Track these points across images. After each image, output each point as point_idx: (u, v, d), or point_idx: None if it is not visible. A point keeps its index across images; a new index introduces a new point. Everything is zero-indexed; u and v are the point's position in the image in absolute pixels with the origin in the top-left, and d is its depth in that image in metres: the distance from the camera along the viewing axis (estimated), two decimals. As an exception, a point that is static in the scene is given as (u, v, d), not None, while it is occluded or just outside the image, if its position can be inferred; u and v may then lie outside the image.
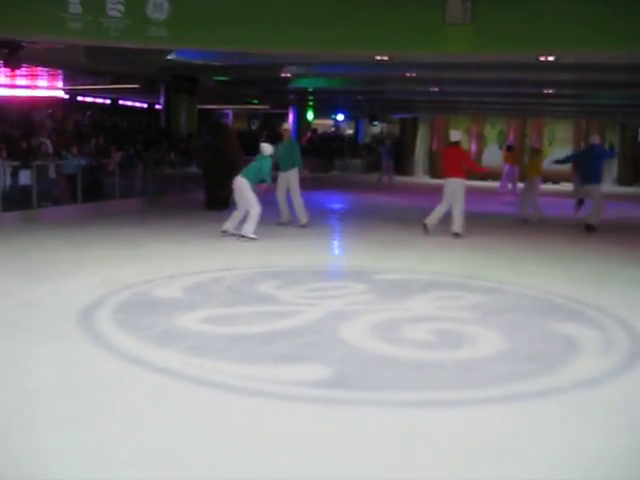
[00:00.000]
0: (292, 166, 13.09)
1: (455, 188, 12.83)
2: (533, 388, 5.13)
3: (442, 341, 6.16)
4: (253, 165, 11.83)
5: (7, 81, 23.87)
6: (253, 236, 11.33)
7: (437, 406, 4.78)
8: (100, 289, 7.75)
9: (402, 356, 5.69)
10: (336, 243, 11.89)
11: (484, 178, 27.86)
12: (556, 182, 31.95)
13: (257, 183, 11.74)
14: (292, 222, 13.30)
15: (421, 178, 34.11)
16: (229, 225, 11.70)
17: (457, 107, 32.39)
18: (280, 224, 13.11)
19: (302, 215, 13.14)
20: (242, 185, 11.63)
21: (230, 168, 16.75)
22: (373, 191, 24.41)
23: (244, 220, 11.52)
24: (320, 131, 39.44)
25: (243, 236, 11.30)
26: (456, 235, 12.75)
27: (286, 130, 13.51)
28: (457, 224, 12.84)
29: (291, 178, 13.12)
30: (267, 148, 12.00)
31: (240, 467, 3.85)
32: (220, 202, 16.45)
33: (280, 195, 13.25)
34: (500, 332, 6.47)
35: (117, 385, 4.95)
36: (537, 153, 17.21)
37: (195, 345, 5.78)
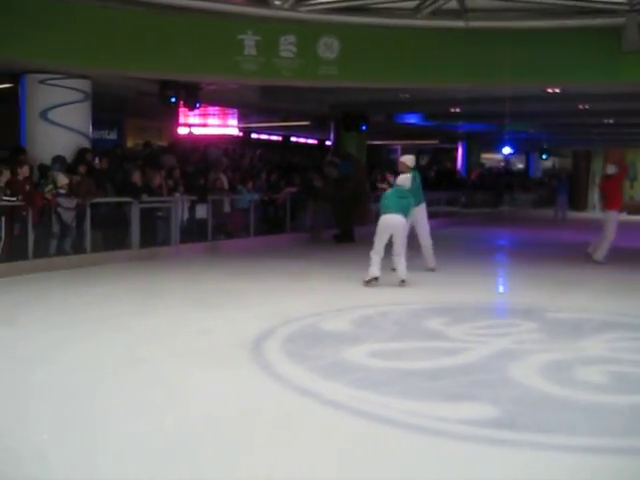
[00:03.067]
0: (418, 202, 11.52)
1: (606, 219, 13.59)
2: None
3: (618, 385, 5.88)
4: (399, 201, 10.59)
5: (185, 120, 25.16)
6: (407, 280, 10.50)
7: (610, 453, 4.55)
8: (270, 320, 7.98)
9: (574, 399, 5.47)
10: (505, 280, 11.64)
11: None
12: None
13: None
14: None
15: (596, 213, 32.79)
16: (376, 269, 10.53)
17: (634, 138, 31.07)
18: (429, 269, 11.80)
19: (430, 258, 11.89)
20: (401, 224, 10.55)
21: (357, 200, 16.86)
22: (543, 227, 23.77)
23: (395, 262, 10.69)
24: (489, 165, 38.89)
25: (403, 281, 10.46)
26: (594, 261, 13.35)
27: (402, 164, 11.62)
28: (598, 253, 13.45)
29: (418, 215, 11.75)
30: (406, 180, 10.90)
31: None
32: (350, 235, 16.64)
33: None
34: (682, 377, 6.10)
35: (284, 415, 5.05)
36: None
37: (361, 378, 5.82)
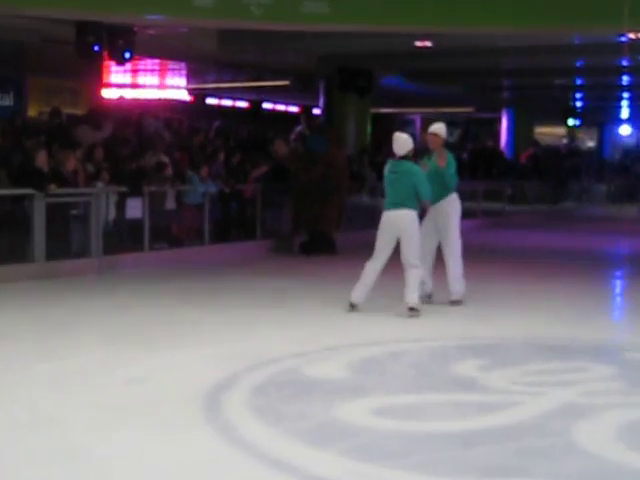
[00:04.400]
0: (445, 193, 11.24)
1: None
2: None
3: None
4: (395, 186, 10.53)
5: (114, 79, 25.14)
6: (418, 307, 10.43)
7: None
8: (231, 363, 7.97)
9: (667, 473, 5.49)
10: (569, 306, 11.65)
11: None
12: None
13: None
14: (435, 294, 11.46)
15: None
16: (360, 293, 10.67)
17: None
18: (425, 297, 11.11)
19: (457, 282, 11.32)
20: (408, 220, 10.47)
21: (337, 193, 16.49)
22: (625, 231, 23.83)
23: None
24: (547, 143, 39.03)
25: (412, 309, 10.35)
26: None
27: (434, 136, 11.40)
28: None
29: (445, 212, 11.25)
30: (403, 142, 10.69)
31: None
32: (326, 242, 16.38)
33: (427, 244, 11.12)
34: None
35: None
36: None
37: (363, 446, 5.81)
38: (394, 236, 10.49)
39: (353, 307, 10.63)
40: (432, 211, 11.19)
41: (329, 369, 7.89)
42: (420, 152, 11.63)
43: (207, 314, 10.46)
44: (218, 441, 5.92)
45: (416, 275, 10.44)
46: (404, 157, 10.61)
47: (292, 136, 17.41)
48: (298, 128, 17.55)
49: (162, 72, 26.28)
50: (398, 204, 10.45)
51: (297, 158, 16.80)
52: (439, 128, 11.45)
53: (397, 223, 10.46)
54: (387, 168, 10.81)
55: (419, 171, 10.61)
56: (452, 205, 11.30)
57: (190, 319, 10.16)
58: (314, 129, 18.20)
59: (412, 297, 10.38)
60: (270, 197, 16.93)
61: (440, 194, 11.07)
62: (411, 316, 10.29)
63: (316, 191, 16.18)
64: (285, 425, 6.24)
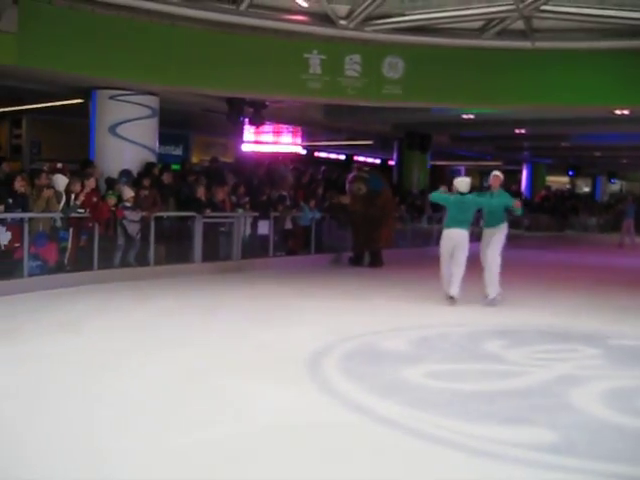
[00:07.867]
0: (500, 221, 10.94)
1: None
2: None
3: (682, 414, 5.73)
4: (459, 214, 10.50)
5: (252, 137, 25.45)
6: (456, 296, 10.50)
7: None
8: (327, 337, 8.02)
9: (635, 427, 5.36)
10: (567, 305, 11.44)
11: None
12: None
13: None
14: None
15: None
16: (456, 289, 10.58)
17: None
18: (490, 301, 10.82)
19: (492, 285, 10.87)
20: (464, 238, 10.49)
21: (391, 218, 15.96)
22: (611, 252, 23.29)
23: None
24: (555, 188, 38.42)
25: (452, 297, 10.46)
26: None
27: (496, 177, 11.00)
28: None
29: (497, 234, 10.89)
30: (464, 183, 10.73)
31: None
32: (378, 258, 15.56)
33: (483, 257, 10.94)
34: None
35: (336, 430, 5.07)
36: None
37: (417, 398, 5.80)
38: (452, 246, 10.53)
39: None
40: (489, 232, 10.98)
41: (396, 343, 7.88)
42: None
43: (311, 303, 10.54)
44: (318, 390, 5.99)
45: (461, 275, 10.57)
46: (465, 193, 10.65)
47: (349, 178, 16.42)
48: (352, 174, 16.71)
49: (285, 133, 26.58)
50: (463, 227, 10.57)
51: (361, 197, 15.47)
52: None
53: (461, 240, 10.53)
54: (452, 199, 10.70)
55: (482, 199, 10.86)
56: (502, 229, 11.01)
57: (300, 305, 10.26)
58: (371, 173, 17.11)
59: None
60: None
61: (497, 221, 10.92)
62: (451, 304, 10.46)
63: (377, 218, 15.31)
64: (364, 381, 6.27)
